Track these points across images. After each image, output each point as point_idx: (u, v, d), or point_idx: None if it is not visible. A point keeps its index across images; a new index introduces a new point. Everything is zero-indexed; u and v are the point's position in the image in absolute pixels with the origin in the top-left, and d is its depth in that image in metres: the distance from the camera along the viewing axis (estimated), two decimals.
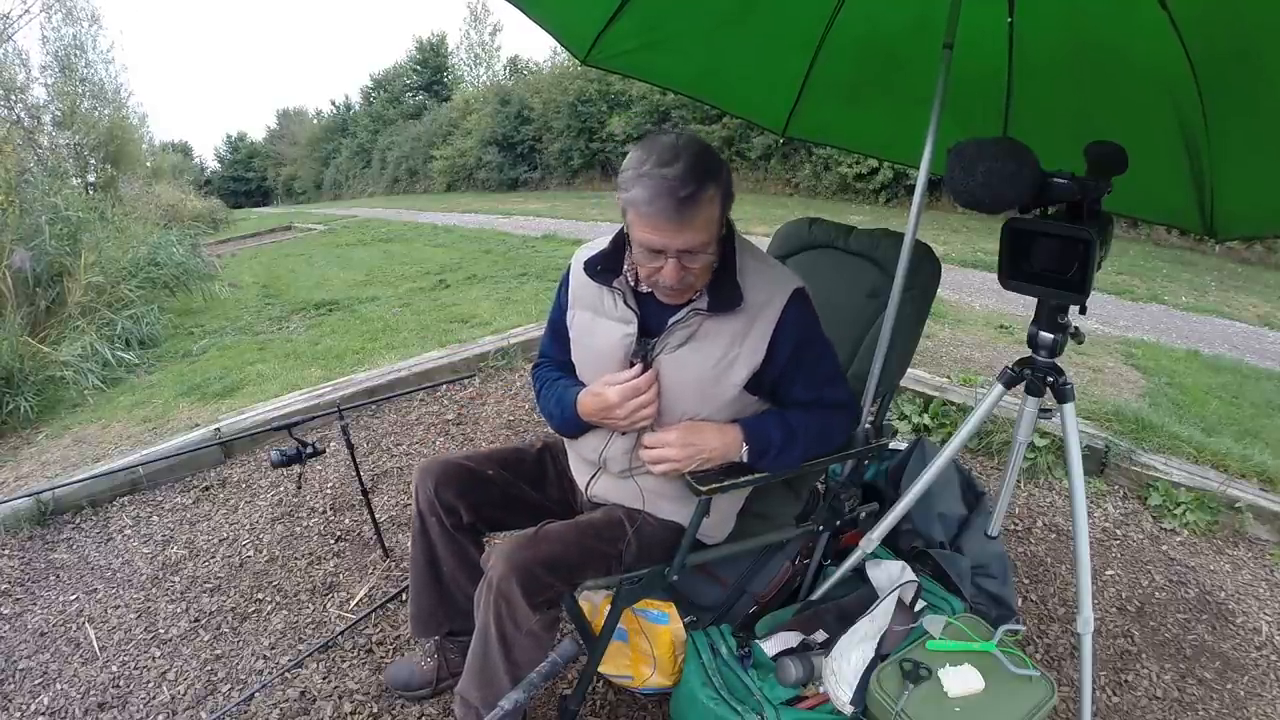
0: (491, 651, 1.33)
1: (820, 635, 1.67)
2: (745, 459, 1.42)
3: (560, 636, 1.69)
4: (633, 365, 1.43)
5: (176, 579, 2.38)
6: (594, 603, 1.60)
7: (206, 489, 2.94)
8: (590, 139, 18.22)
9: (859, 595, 1.78)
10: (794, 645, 1.64)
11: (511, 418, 3.50)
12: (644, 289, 1.45)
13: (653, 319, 1.44)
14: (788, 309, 1.40)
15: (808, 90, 2.25)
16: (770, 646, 1.63)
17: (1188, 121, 1.64)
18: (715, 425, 1.42)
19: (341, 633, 2.09)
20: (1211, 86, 1.54)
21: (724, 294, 1.38)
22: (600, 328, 1.48)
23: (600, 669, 1.58)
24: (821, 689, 1.53)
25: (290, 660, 1.99)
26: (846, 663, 1.51)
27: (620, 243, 1.47)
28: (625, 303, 1.44)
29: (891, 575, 1.75)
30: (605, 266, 1.46)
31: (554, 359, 1.66)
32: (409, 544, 2.43)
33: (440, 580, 1.69)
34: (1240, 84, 1.49)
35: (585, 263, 1.48)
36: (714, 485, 1.38)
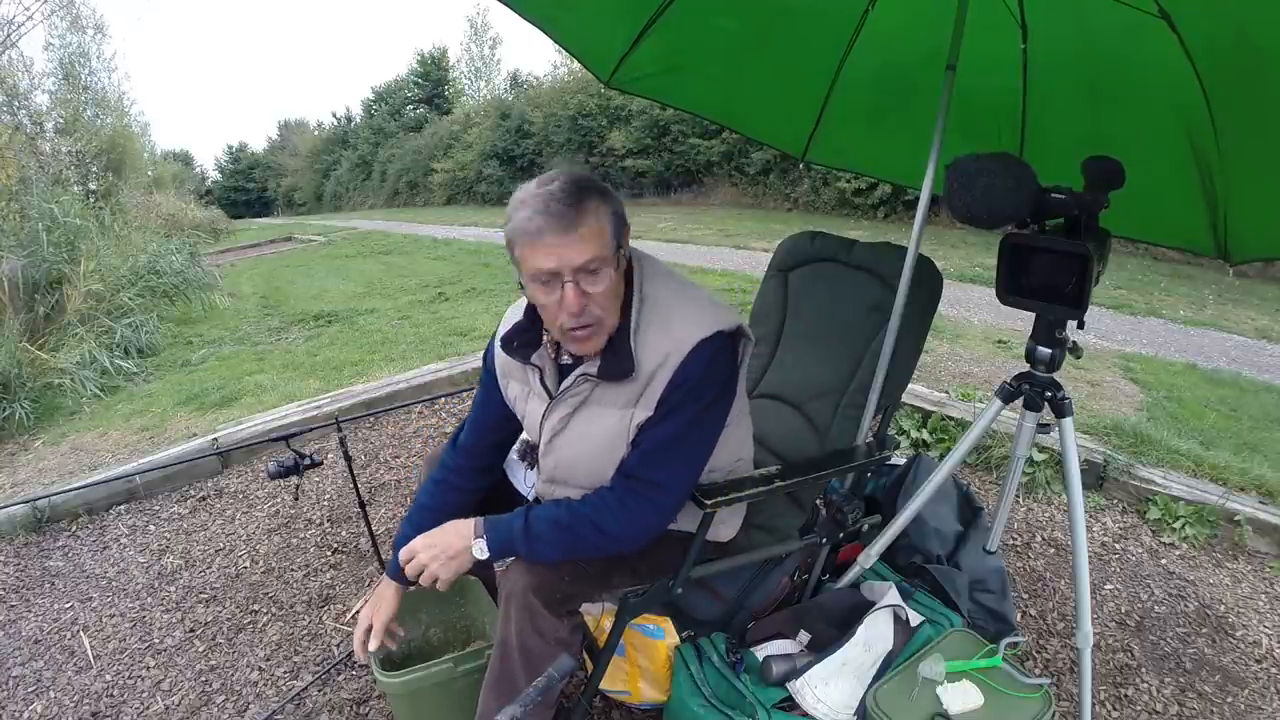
0: (512, 664, 1.32)
1: (804, 636, 1.67)
2: (483, 552, 1.31)
3: None
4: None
5: (172, 589, 2.37)
6: (594, 615, 1.60)
7: (203, 499, 2.94)
8: (590, 153, 18.28)
9: (838, 595, 1.79)
10: (785, 652, 1.64)
11: None
12: (565, 359, 1.41)
13: None
14: (688, 362, 1.27)
15: (826, 117, 2.28)
16: (762, 653, 1.62)
17: (1200, 144, 1.65)
18: (455, 522, 1.36)
19: (349, 655, 2.07)
20: (1222, 108, 1.55)
21: (616, 358, 1.28)
22: (530, 404, 1.45)
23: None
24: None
25: (287, 673, 1.99)
26: (836, 691, 1.51)
27: (535, 313, 1.37)
28: (542, 381, 1.40)
29: (881, 598, 1.74)
30: (522, 342, 1.40)
31: (466, 443, 1.61)
32: None
33: None
34: (1251, 105, 1.50)
35: (503, 340, 1.43)
36: (719, 499, 1.38)
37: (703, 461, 1.37)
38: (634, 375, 1.28)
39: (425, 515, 1.53)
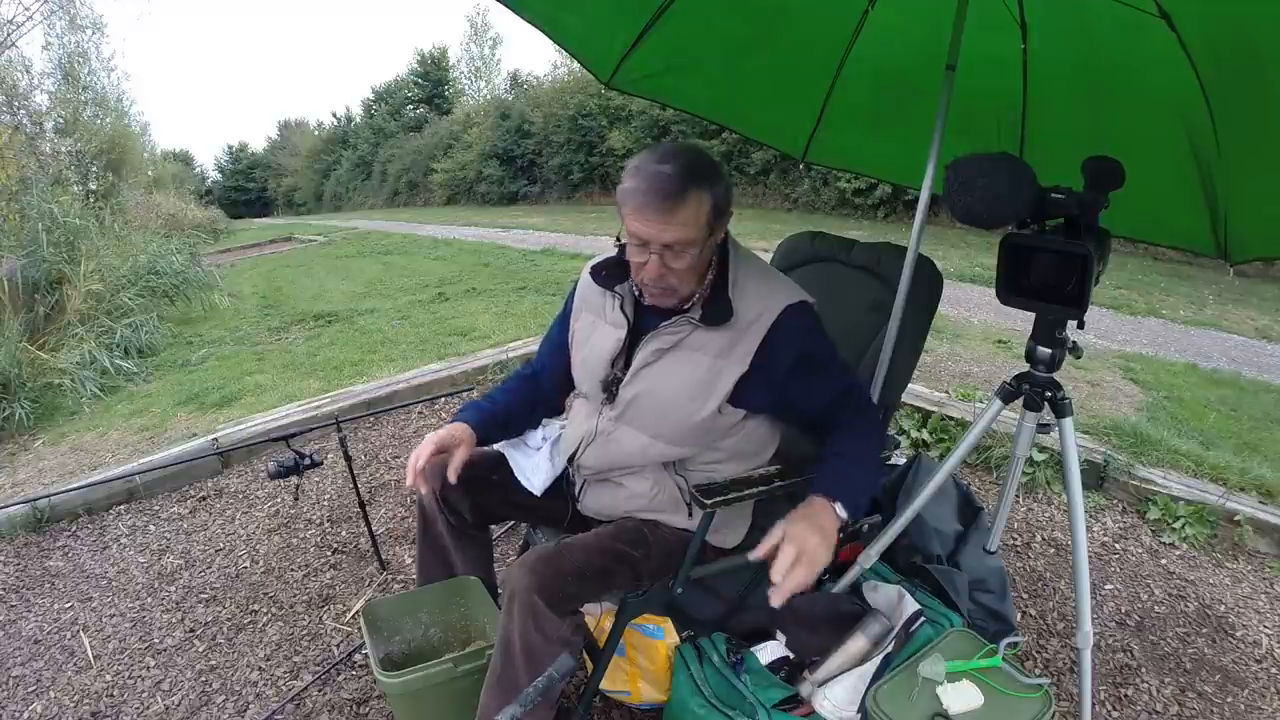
0: (514, 664, 1.31)
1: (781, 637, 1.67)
2: (844, 515, 1.32)
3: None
4: (613, 367, 1.49)
5: (172, 589, 2.37)
6: (594, 615, 1.60)
7: (203, 499, 2.94)
8: (590, 153, 18.28)
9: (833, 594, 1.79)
10: (787, 655, 1.63)
11: None
12: (647, 300, 1.48)
13: (648, 327, 1.47)
14: (781, 321, 1.40)
15: (826, 116, 2.28)
16: (764, 655, 1.62)
17: (1200, 143, 1.65)
18: (802, 519, 1.29)
19: (349, 655, 2.07)
20: (1222, 107, 1.55)
21: (716, 307, 1.41)
22: (599, 331, 1.54)
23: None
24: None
25: (287, 673, 1.99)
26: (840, 689, 1.51)
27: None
28: (621, 308, 1.49)
29: (890, 600, 1.73)
30: (611, 273, 1.51)
31: (536, 367, 1.75)
32: (410, 550, 2.46)
33: (454, 573, 1.71)
34: (1250, 103, 1.49)
35: (593, 268, 1.54)
36: (719, 499, 1.38)
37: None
38: (731, 322, 1.39)
39: (487, 403, 1.66)
